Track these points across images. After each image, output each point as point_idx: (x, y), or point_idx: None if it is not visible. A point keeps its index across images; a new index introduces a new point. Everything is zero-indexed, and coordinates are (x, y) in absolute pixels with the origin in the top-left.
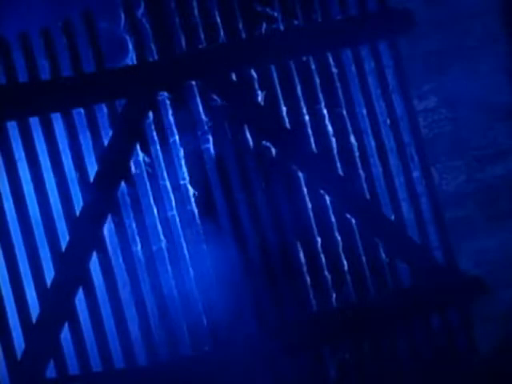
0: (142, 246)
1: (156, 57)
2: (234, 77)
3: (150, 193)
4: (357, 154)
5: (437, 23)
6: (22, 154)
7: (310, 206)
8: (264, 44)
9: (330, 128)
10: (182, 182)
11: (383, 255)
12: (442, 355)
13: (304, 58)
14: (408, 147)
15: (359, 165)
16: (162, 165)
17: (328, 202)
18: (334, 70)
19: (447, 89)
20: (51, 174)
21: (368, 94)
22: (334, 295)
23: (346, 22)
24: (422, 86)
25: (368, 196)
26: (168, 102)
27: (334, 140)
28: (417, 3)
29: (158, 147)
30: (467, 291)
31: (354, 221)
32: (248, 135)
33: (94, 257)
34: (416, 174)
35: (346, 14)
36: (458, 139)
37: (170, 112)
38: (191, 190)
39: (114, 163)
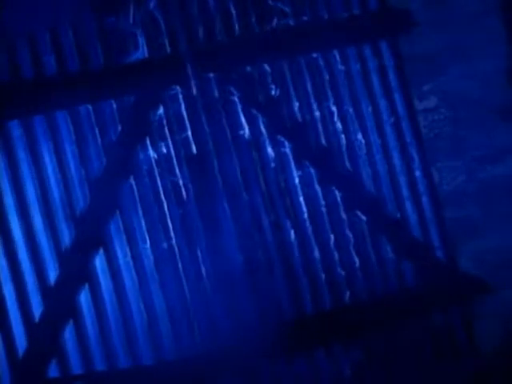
0: (150, 243)
1: (168, 50)
2: (249, 69)
3: (161, 188)
4: (364, 151)
5: (437, 23)
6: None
7: (323, 202)
8: (276, 38)
9: (339, 125)
10: (186, 181)
11: (390, 253)
12: (443, 354)
13: (314, 55)
14: (409, 147)
15: (367, 162)
16: (174, 160)
17: (339, 198)
18: (341, 67)
19: (447, 89)
20: (56, 172)
21: (371, 92)
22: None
23: (350, 20)
24: (422, 86)
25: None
26: (181, 96)
27: (343, 137)
28: (417, 3)
29: (170, 142)
30: (467, 290)
31: (364, 218)
32: (262, 128)
33: (101, 254)
34: (417, 173)
35: (350, 12)
36: (458, 139)
37: (183, 106)
38: (196, 187)
39: (123, 158)
